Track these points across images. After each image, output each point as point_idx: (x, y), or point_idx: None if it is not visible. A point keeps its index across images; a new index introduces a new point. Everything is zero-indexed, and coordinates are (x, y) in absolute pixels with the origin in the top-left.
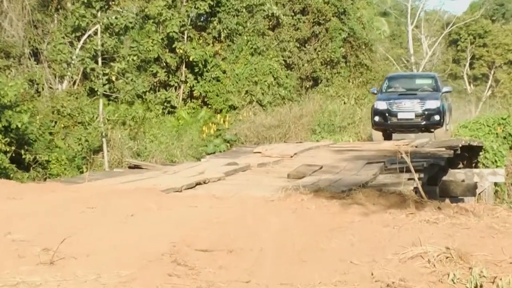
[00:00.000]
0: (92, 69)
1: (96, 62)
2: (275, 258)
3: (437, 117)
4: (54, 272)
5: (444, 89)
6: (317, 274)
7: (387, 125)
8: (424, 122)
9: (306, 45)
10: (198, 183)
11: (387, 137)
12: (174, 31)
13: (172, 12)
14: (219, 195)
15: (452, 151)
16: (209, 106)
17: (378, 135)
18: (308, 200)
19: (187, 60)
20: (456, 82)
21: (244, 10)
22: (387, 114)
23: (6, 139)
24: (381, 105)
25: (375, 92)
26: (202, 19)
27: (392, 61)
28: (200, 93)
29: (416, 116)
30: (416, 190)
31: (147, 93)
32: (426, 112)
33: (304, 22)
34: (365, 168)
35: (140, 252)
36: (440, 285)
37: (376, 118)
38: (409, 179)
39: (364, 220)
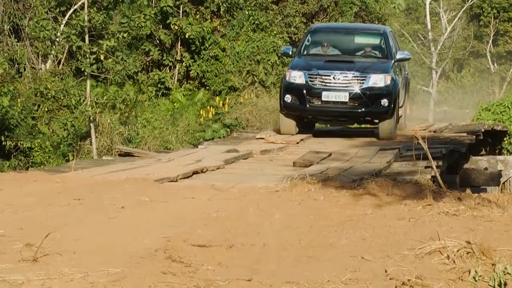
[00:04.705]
0: (79, 47)
1: (83, 40)
2: (279, 254)
3: (384, 102)
4: (37, 270)
5: (400, 54)
6: (325, 271)
7: (304, 111)
8: (363, 109)
9: (314, 20)
10: (195, 172)
11: (306, 127)
12: (168, 5)
13: None
14: (218, 186)
15: (474, 137)
16: (207, 87)
17: (288, 125)
18: (315, 191)
19: (182, 37)
20: (478, 60)
21: None
22: (305, 92)
23: None
24: (297, 77)
25: (290, 53)
26: None
27: (407, 38)
28: (197, 73)
29: (352, 99)
30: (434, 179)
31: (139, 73)
32: (368, 93)
33: None
34: (378, 155)
35: (131, 248)
36: (461, 283)
37: (287, 98)
38: (426, 167)
39: (377, 213)
